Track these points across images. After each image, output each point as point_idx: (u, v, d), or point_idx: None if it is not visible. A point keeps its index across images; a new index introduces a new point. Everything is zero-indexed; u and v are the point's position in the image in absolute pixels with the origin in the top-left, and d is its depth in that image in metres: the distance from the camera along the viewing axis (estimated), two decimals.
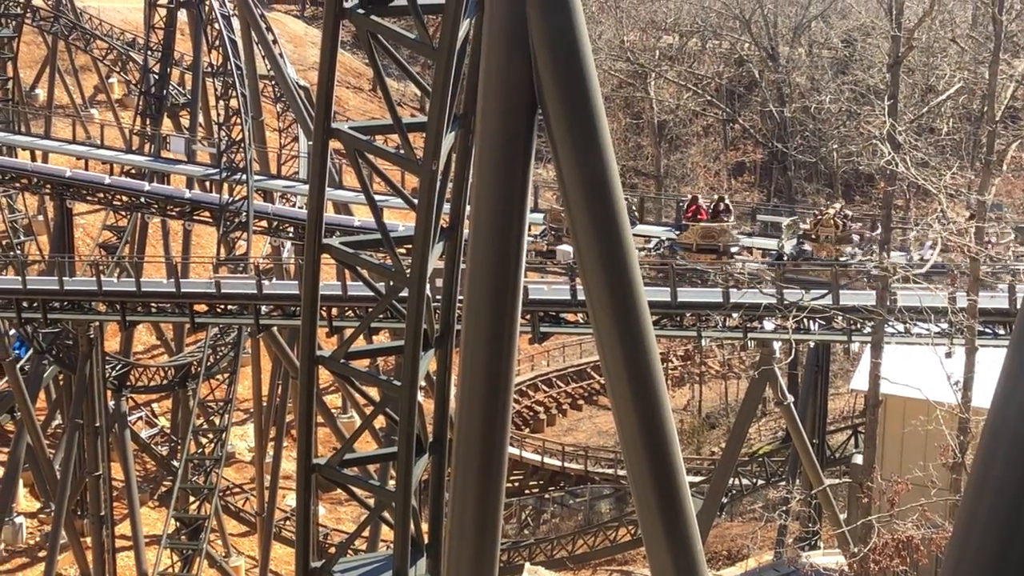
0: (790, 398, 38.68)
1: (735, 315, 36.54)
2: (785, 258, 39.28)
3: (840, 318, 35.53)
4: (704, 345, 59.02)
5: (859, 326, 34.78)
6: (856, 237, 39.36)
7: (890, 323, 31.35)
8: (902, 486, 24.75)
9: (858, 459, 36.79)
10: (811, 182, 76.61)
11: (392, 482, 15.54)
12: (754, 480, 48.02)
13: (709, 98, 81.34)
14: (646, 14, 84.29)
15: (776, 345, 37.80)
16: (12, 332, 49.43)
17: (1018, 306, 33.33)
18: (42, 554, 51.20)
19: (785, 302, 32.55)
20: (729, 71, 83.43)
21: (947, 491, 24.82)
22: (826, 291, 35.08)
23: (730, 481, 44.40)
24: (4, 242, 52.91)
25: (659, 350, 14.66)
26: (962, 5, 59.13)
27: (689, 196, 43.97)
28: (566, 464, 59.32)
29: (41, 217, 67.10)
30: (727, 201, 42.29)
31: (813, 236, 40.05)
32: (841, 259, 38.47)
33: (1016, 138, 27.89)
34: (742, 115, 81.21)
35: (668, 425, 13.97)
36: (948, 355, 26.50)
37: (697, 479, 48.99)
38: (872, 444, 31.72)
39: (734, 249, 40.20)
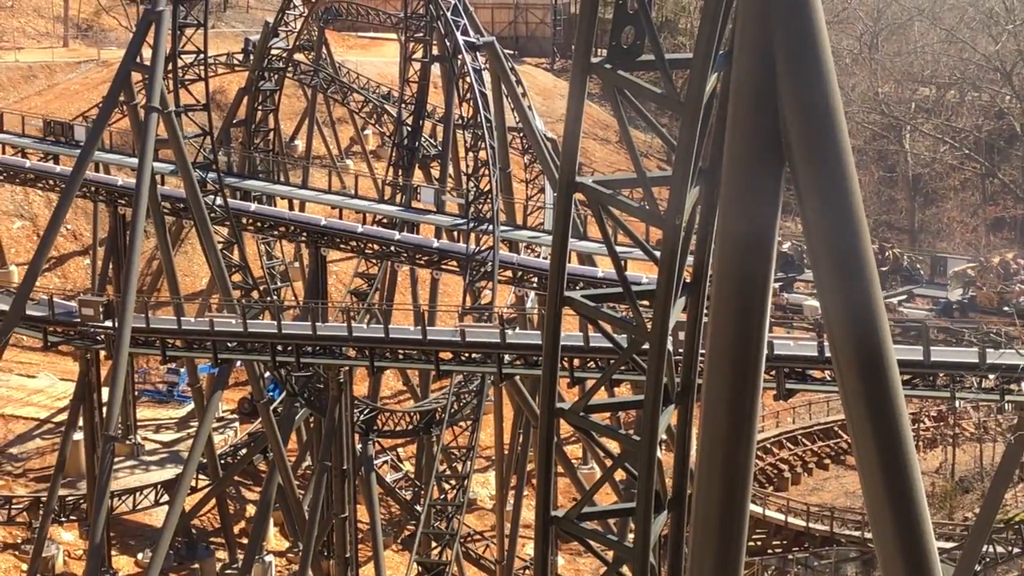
0: None
1: (991, 376, 35.65)
2: None
3: None
4: (958, 406, 57.46)
5: None
6: None
7: None
8: None
9: None
10: None
11: (631, 537, 15.39)
12: (1010, 548, 46.80)
13: (967, 152, 79.17)
14: (902, 66, 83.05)
15: None
16: (267, 375, 50.90)
17: None
18: None
19: None
20: (989, 124, 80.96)
21: None
22: None
23: (984, 548, 43.01)
24: (262, 288, 54.62)
25: (910, 410, 14.13)
26: None
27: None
28: (811, 524, 58.12)
29: (297, 264, 69.19)
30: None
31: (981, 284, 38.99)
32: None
33: None
34: (1001, 170, 78.68)
35: (916, 487, 13.38)
36: None
37: (948, 545, 47.75)
38: None
39: None
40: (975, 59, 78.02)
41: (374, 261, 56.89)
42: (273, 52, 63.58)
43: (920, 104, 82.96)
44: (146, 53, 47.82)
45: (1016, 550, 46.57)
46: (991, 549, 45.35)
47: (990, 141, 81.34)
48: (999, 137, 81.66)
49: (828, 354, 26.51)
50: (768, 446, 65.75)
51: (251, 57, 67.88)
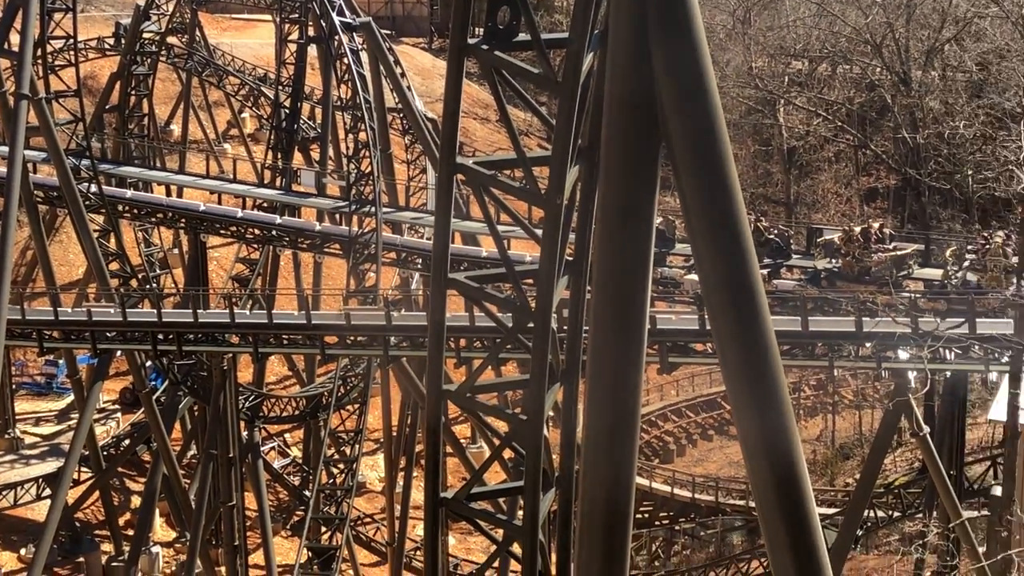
0: (926, 429, 38.19)
1: (868, 344, 36.42)
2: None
3: (977, 347, 35.08)
4: (836, 375, 58.75)
5: (996, 355, 34.49)
6: None
7: None
8: None
9: (997, 491, 36.42)
10: (946, 208, 75.38)
11: (520, 515, 15.51)
12: (890, 512, 46.91)
13: (840, 124, 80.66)
14: (775, 40, 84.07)
15: (911, 375, 37.52)
16: (148, 364, 50.42)
17: None
18: None
19: (920, 331, 32.22)
20: (860, 96, 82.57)
21: None
22: (962, 320, 34.67)
23: (865, 513, 43.34)
24: (140, 276, 54.05)
25: (790, 380, 14.38)
26: None
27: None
28: (697, 495, 59.19)
29: (176, 251, 68.73)
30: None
31: (979, 266, 39.63)
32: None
33: None
34: (874, 141, 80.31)
35: (797, 456, 13.78)
36: None
37: (830, 511, 48.72)
38: (1011, 476, 31.60)
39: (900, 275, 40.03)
40: (845, 32, 79.36)
41: (255, 246, 56.53)
42: (145, 36, 62.81)
43: (793, 78, 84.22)
44: (14, 39, 46.90)
45: (896, 514, 46.68)
46: (872, 514, 45.40)
47: (862, 113, 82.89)
48: (871, 109, 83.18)
49: (709, 327, 27.02)
50: (653, 419, 66.91)
51: (123, 41, 66.94)
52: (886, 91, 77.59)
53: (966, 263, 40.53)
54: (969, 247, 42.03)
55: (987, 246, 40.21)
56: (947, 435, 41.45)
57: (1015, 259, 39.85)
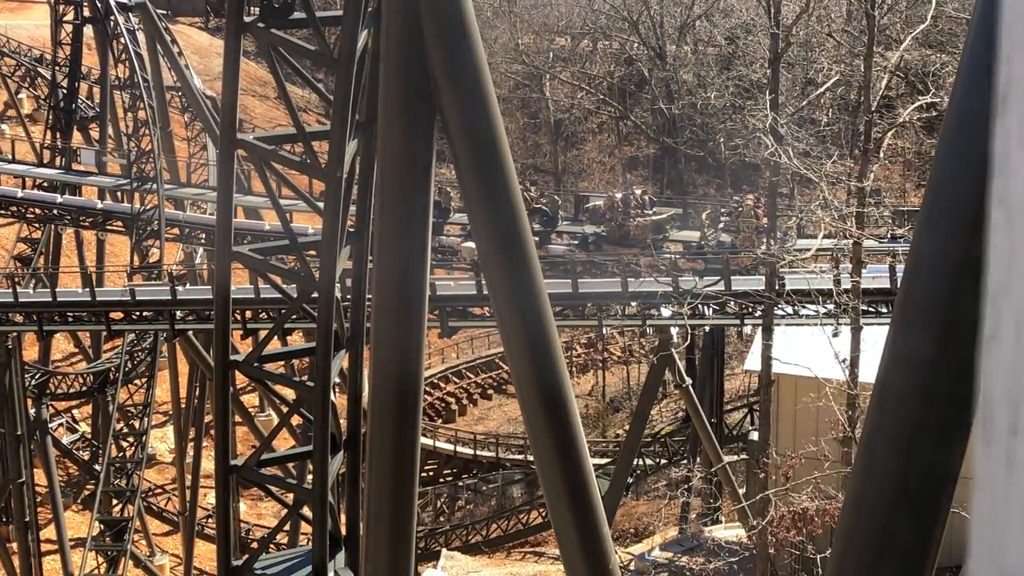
0: (688, 380, 39.87)
1: (634, 304, 37.71)
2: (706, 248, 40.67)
3: (733, 303, 36.64)
4: (605, 333, 60.65)
5: (750, 310, 35.99)
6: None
7: (779, 306, 32.03)
8: (796, 461, 25.02)
9: (754, 436, 37.26)
10: (701, 174, 78.22)
11: (309, 479, 15.80)
12: (657, 460, 48.94)
13: (602, 97, 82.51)
14: (539, 17, 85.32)
15: (673, 331, 38.69)
16: None
17: (898, 286, 34.81)
18: None
19: (680, 290, 33.21)
20: (620, 70, 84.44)
21: (838, 464, 24.64)
22: (718, 278, 36.14)
23: (635, 462, 45.32)
24: None
25: (563, 339, 15.58)
26: (837, 2, 61.19)
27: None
28: (478, 452, 60.18)
29: None
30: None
31: (732, 227, 41.67)
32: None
33: (891, 126, 28.45)
34: (633, 112, 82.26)
35: (571, 410, 14.42)
36: (835, 334, 26.53)
37: (603, 461, 49.72)
38: (767, 421, 31.81)
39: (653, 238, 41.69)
40: (605, 10, 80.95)
41: (37, 225, 56.13)
42: None
43: (557, 54, 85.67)
44: None
45: (663, 461, 48.62)
46: (641, 462, 47.44)
47: (622, 86, 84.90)
48: (630, 82, 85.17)
49: (487, 292, 27.83)
50: (435, 381, 67.29)
51: None
52: (643, 65, 79.38)
53: (720, 225, 42.61)
54: (723, 210, 44.35)
55: (739, 209, 42.32)
56: (708, 386, 43.68)
57: (765, 220, 42.46)
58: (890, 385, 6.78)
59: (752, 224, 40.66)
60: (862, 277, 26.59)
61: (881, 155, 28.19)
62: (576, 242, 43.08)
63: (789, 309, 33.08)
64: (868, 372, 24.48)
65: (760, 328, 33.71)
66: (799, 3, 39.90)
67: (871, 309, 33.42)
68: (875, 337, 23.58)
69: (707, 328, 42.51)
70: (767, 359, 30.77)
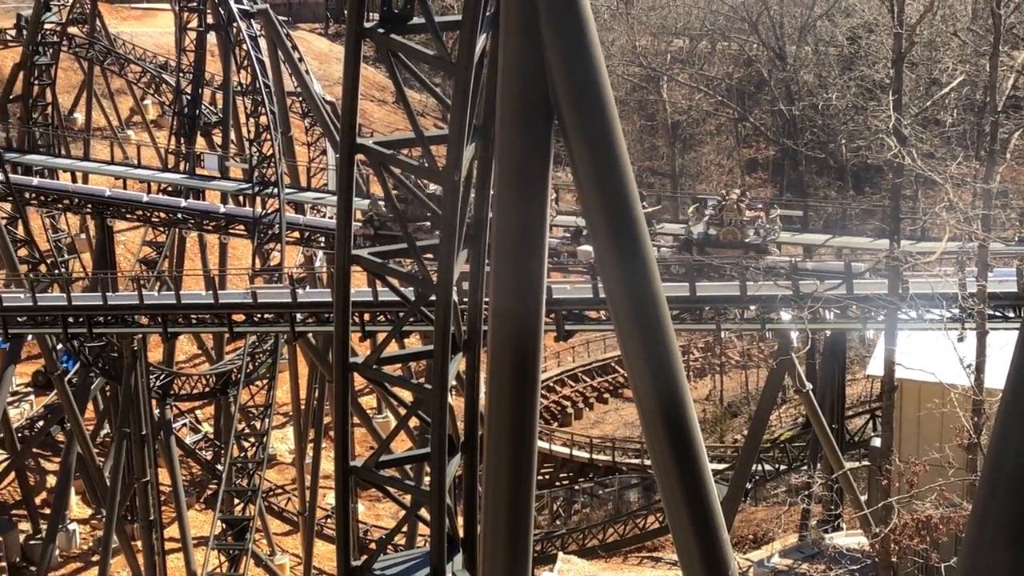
0: (809, 385, 39.48)
1: (752, 307, 37.43)
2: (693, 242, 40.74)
3: (854, 307, 36.11)
4: (723, 337, 60.26)
5: (873, 314, 35.00)
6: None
7: (903, 310, 31.51)
8: (920, 467, 24.07)
9: (876, 442, 36.16)
10: (821, 176, 77.57)
11: (427, 480, 15.68)
12: (776, 466, 48.41)
13: (720, 98, 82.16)
14: (657, 20, 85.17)
15: (793, 335, 38.41)
16: (60, 347, 50.94)
17: None
18: (95, 559, 52.44)
19: (800, 293, 32.89)
20: (739, 72, 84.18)
21: (963, 471, 24.16)
22: (840, 281, 35.79)
23: (753, 467, 44.96)
24: (49, 261, 54.60)
25: (680, 343, 15.24)
26: (962, 0, 60.25)
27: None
28: (594, 456, 60.06)
29: (83, 236, 68.52)
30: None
31: (718, 221, 41.33)
32: (747, 240, 40.22)
33: (1018, 127, 27.93)
34: (753, 114, 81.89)
35: (689, 415, 14.07)
36: (960, 339, 25.75)
37: (721, 466, 49.54)
38: (889, 427, 31.21)
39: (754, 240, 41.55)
40: (723, 11, 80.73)
41: (161, 229, 57.12)
42: (47, 26, 62.62)
43: (675, 55, 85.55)
44: None
45: (782, 467, 47.95)
46: (760, 468, 46.95)
47: (740, 87, 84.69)
48: (749, 83, 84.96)
49: (603, 296, 28.20)
50: (551, 384, 67.47)
51: (24, 32, 66.70)
52: (763, 66, 79.02)
53: (705, 217, 42.11)
54: (710, 203, 43.21)
55: (723, 203, 41.81)
56: (828, 391, 42.63)
57: (748, 214, 41.41)
58: (1022, 389, 6.30)
59: (736, 219, 40.61)
60: (988, 280, 26.13)
61: (1008, 156, 27.34)
62: (678, 244, 42.82)
63: (913, 313, 32.48)
64: (994, 378, 24.23)
65: (883, 332, 33.27)
66: (923, 2, 39.22)
67: (997, 313, 32.96)
68: (1001, 342, 23.57)
69: (828, 332, 41.70)
70: (890, 364, 30.26)
